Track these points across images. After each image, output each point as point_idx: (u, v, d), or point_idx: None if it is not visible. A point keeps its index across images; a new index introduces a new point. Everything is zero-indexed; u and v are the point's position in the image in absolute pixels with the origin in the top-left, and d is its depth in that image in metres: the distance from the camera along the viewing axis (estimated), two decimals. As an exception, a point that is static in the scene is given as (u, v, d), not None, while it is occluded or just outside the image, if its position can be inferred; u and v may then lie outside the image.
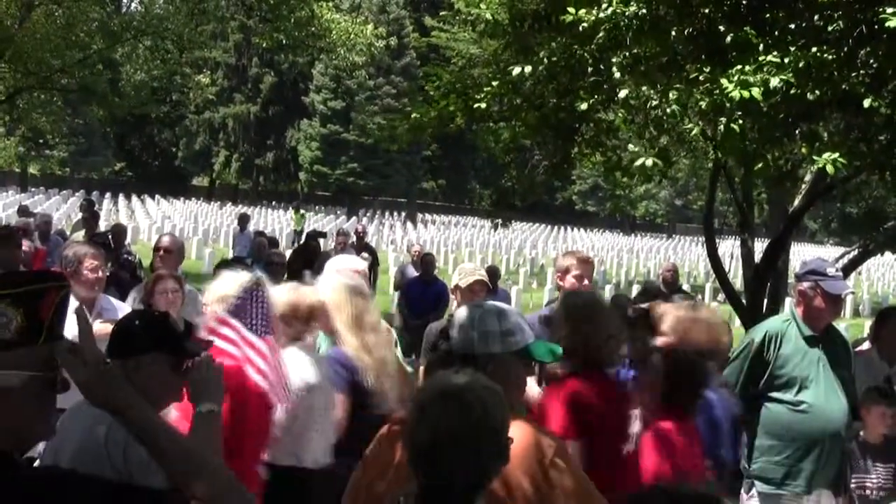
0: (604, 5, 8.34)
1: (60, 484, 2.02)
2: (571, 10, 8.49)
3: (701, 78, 7.90)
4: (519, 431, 2.85)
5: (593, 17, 8.37)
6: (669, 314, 5.00)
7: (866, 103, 7.42)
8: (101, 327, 6.01)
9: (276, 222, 45.42)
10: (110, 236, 12.73)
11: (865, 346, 8.28)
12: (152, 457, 2.06)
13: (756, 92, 7.20)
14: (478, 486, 2.58)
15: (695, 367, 4.40)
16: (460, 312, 3.43)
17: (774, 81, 7.24)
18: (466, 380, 2.67)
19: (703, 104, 7.77)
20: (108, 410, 2.07)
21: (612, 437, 4.04)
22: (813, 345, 5.83)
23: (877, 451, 6.18)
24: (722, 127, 7.72)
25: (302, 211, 41.13)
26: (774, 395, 5.80)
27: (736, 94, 7.23)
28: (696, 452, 4.28)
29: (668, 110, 8.04)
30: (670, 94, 7.94)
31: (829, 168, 7.60)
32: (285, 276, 9.99)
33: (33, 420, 2.02)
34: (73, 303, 5.73)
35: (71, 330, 2.21)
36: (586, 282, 6.75)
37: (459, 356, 3.23)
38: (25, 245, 10.33)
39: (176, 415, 3.69)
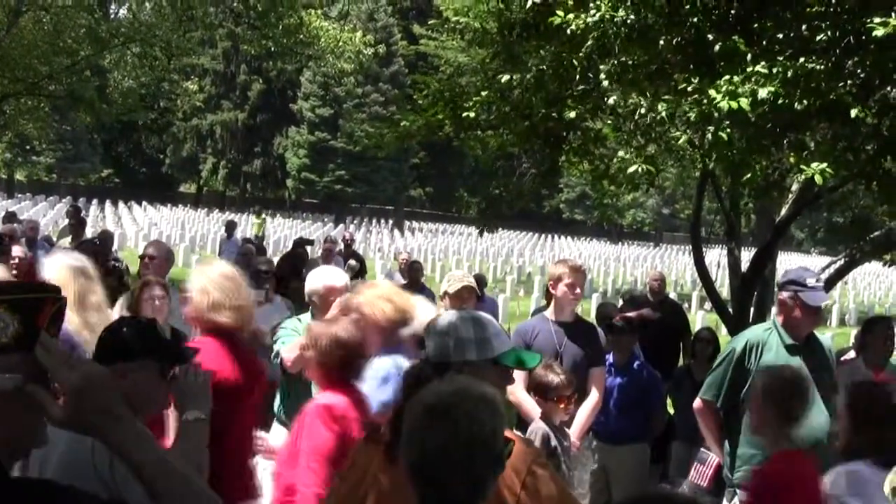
0: (592, 11, 8.35)
1: (52, 499, 2.01)
2: (560, 13, 8.50)
3: (689, 88, 7.91)
4: None
5: (581, 23, 8.38)
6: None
7: (853, 113, 7.44)
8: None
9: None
10: (97, 242, 12.69)
11: (851, 354, 8.32)
12: (135, 476, 2.02)
13: (744, 103, 7.22)
14: (476, 496, 2.57)
15: (338, 339, 4.67)
16: (435, 321, 3.42)
17: (762, 92, 7.26)
18: (455, 390, 2.62)
19: (691, 115, 7.79)
20: (92, 424, 2.01)
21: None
22: (794, 353, 5.85)
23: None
24: (710, 136, 7.73)
25: (263, 216, 40.42)
26: None
27: (724, 104, 7.25)
28: (358, 416, 4.46)
29: (657, 118, 8.05)
30: (659, 106, 7.96)
31: (818, 178, 7.62)
32: (273, 283, 9.97)
33: (28, 427, 2.01)
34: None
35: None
36: (578, 290, 6.76)
37: (434, 364, 3.22)
38: (20, 252, 10.24)
39: None
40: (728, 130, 7.60)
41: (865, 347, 7.53)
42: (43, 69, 26.28)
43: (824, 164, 7.60)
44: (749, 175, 8.34)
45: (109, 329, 3.58)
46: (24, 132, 40.56)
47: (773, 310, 6.98)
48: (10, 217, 19.33)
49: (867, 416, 4.40)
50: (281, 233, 43.37)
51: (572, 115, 9.17)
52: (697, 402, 6.12)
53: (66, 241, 13.17)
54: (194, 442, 3.22)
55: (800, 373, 5.09)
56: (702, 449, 6.97)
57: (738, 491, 5.87)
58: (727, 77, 7.49)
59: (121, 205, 54.66)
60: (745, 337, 6.10)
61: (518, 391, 6.10)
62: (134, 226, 42.85)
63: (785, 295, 5.88)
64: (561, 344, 6.63)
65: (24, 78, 26.07)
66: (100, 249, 11.65)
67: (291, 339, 6.07)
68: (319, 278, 6.28)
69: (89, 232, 18.93)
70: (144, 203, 57.44)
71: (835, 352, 9.55)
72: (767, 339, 5.92)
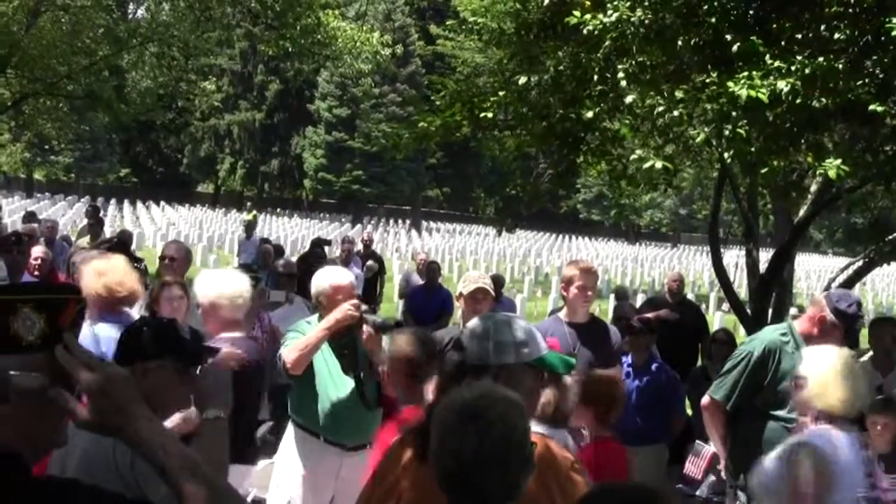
0: (609, 11, 8.34)
1: (76, 498, 2.01)
2: (577, 13, 8.50)
3: (707, 81, 7.89)
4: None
5: (599, 23, 8.37)
6: None
7: (872, 108, 7.39)
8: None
9: (282, 229, 45.44)
10: (116, 242, 12.72)
11: (869, 355, 8.30)
12: (159, 476, 2.01)
13: (762, 95, 7.19)
14: (511, 498, 2.58)
15: None
16: (473, 323, 3.40)
17: (781, 84, 7.23)
18: (483, 394, 2.63)
19: (708, 107, 7.77)
20: (115, 424, 2.01)
21: None
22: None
23: (886, 460, 6.19)
24: (727, 132, 7.71)
25: (254, 212, 39.44)
26: (769, 410, 5.77)
27: (743, 93, 7.22)
28: None
29: (675, 114, 8.02)
30: (676, 94, 7.93)
31: (832, 173, 7.58)
32: (293, 284, 10.01)
33: (51, 425, 2.01)
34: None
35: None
36: (590, 293, 6.74)
37: (472, 367, 3.20)
38: (41, 252, 10.25)
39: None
40: (746, 128, 7.58)
41: (873, 348, 7.56)
42: (61, 69, 26.32)
43: (839, 161, 7.57)
44: (767, 170, 8.29)
45: (129, 329, 3.59)
46: (43, 132, 40.60)
47: (792, 311, 6.92)
48: (30, 217, 19.44)
49: (588, 399, 5.51)
50: (298, 233, 43.43)
51: (590, 115, 9.16)
52: (706, 400, 6.08)
53: (85, 240, 13.22)
54: (214, 441, 3.23)
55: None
56: (697, 441, 6.99)
57: (739, 492, 5.87)
58: (746, 73, 7.47)
59: (139, 204, 54.91)
60: (763, 342, 6.00)
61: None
62: (152, 225, 43.00)
63: (830, 317, 5.72)
64: (575, 346, 6.62)
65: (43, 78, 26.14)
66: (119, 249, 11.68)
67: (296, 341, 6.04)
68: (325, 278, 6.24)
69: (108, 232, 19.02)
70: (162, 203, 57.68)
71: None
72: (784, 346, 5.87)
